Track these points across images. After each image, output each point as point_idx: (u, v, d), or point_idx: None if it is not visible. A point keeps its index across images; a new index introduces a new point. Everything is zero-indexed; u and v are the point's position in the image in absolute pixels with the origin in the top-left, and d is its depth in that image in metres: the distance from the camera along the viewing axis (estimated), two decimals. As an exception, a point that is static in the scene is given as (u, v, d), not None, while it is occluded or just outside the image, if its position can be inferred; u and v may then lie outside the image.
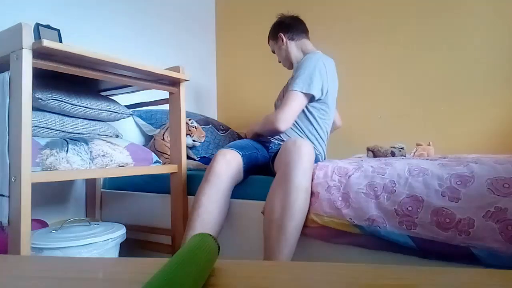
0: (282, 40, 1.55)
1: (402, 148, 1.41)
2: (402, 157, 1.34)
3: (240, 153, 1.16)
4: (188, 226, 1.05)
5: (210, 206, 1.04)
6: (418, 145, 1.45)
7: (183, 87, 1.31)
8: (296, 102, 1.31)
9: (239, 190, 1.17)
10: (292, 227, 0.94)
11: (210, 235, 0.40)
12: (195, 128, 1.59)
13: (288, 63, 1.59)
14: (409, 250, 0.87)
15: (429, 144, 1.44)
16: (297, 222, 0.95)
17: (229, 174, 1.10)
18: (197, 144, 1.60)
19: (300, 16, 1.61)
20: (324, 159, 1.49)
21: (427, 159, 1.12)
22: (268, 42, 1.65)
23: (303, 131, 1.43)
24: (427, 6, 1.86)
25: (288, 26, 1.57)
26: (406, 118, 1.89)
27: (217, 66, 2.56)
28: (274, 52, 1.65)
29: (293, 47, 1.56)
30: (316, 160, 1.32)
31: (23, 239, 0.81)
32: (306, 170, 0.99)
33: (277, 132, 1.33)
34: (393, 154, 1.36)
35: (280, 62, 1.64)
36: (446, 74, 1.81)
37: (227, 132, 1.97)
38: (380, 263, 0.35)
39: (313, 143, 1.44)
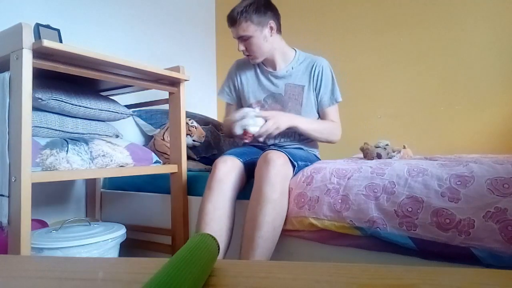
0: (271, 29, 1.26)
1: (386, 145, 1.31)
2: (392, 158, 1.28)
3: (241, 159, 1.16)
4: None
5: (216, 213, 1.04)
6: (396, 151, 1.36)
7: (183, 87, 1.31)
8: None
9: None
10: (259, 237, 0.96)
11: (210, 235, 0.40)
12: (195, 128, 1.59)
13: (263, 57, 1.32)
14: (409, 251, 0.87)
15: (404, 147, 1.39)
16: (265, 233, 0.97)
17: (232, 179, 1.10)
18: (197, 144, 1.60)
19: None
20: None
21: (422, 159, 1.11)
22: (235, 23, 1.22)
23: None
24: (428, 7, 1.86)
25: (277, 12, 1.28)
26: (406, 118, 1.89)
27: (217, 66, 2.56)
28: (240, 38, 1.25)
29: (279, 42, 1.32)
30: (316, 160, 1.32)
31: (23, 239, 0.81)
32: (274, 183, 1.01)
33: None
34: (379, 157, 1.27)
35: (242, 51, 1.28)
36: (446, 74, 1.81)
37: (227, 132, 1.97)
38: (380, 264, 0.35)
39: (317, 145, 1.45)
